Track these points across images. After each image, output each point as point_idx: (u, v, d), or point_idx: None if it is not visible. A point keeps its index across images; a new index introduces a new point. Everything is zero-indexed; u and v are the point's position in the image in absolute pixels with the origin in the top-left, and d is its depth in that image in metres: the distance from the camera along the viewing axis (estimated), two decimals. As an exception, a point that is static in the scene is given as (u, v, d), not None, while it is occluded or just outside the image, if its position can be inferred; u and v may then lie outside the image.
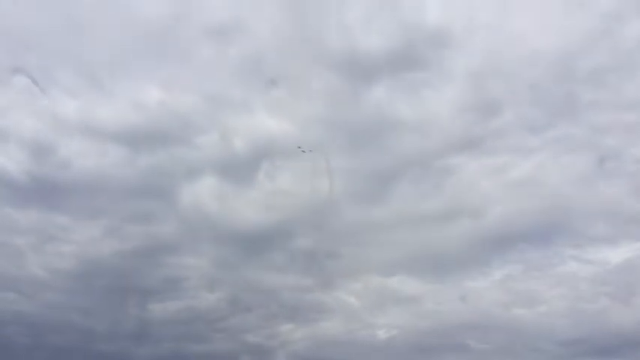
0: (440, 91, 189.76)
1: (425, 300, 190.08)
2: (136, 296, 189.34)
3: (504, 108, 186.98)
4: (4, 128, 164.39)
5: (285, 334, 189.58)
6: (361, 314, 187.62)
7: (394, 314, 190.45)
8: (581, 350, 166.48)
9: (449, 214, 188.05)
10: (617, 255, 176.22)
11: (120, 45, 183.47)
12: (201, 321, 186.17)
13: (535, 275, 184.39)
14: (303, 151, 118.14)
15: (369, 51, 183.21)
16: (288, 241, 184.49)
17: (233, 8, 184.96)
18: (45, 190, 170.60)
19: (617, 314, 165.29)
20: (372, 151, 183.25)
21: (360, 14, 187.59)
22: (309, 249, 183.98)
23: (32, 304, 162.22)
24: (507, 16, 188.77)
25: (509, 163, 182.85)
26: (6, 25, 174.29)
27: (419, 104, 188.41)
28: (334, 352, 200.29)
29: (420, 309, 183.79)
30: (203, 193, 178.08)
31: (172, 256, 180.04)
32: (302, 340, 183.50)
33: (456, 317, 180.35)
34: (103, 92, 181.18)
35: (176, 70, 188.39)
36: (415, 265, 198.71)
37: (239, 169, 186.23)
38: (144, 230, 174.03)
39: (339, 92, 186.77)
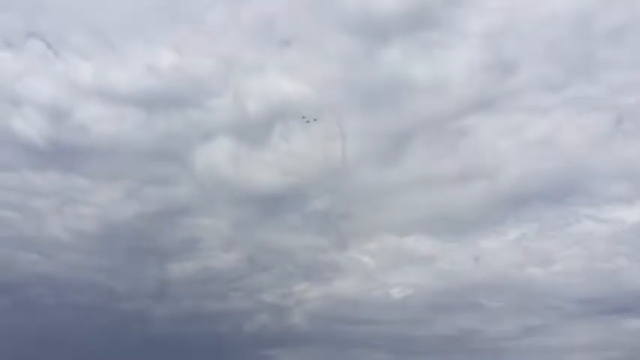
0: (455, 51, 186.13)
1: (439, 260, 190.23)
2: (155, 257, 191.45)
3: (520, 67, 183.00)
4: (21, 93, 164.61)
5: (300, 293, 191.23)
6: (375, 274, 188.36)
7: (408, 274, 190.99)
8: (596, 309, 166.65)
9: (463, 175, 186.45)
10: (633, 214, 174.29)
11: (132, 8, 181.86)
12: (219, 280, 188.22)
13: (550, 235, 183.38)
14: (307, 121, 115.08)
15: (383, 11, 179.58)
16: (303, 202, 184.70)
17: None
18: (63, 154, 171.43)
19: (632, 273, 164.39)
20: (386, 113, 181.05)
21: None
22: (323, 210, 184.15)
23: (54, 265, 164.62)
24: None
25: (525, 123, 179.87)
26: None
27: (433, 65, 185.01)
28: (349, 311, 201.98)
29: (434, 268, 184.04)
30: (218, 155, 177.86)
31: (189, 217, 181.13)
32: (317, 299, 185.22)
33: (470, 277, 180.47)
34: (117, 55, 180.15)
35: (189, 32, 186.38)
36: (429, 226, 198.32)
37: (253, 131, 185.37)
38: (161, 192, 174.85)
39: (353, 53, 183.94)
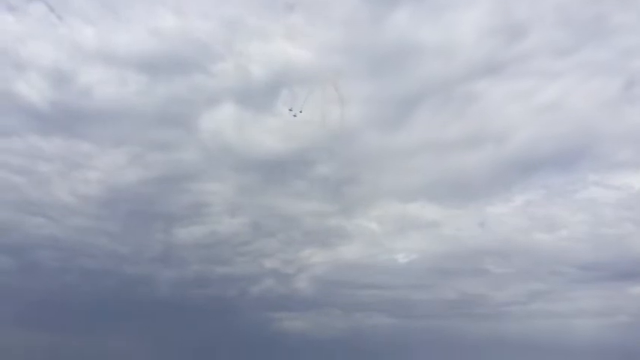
0: (463, 14, 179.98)
1: (445, 225, 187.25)
2: (161, 221, 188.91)
3: (529, 31, 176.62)
4: (24, 57, 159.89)
5: (306, 258, 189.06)
6: (381, 239, 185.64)
7: (414, 239, 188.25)
8: (602, 274, 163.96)
9: (471, 140, 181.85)
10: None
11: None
12: (225, 245, 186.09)
13: (557, 201, 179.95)
14: (295, 115, 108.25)
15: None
16: (308, 168, 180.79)
17: None
18: (68, 118, 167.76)
19: (639, 239, 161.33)
20: (393, 77, 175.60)
21: None
22: (329, 176, 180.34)
23: (61, 228, 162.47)
24: None
25: (534, 87, 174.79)
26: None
27: (441, 28, 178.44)
28: (354, 276, 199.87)
29: (439, 234, 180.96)
30: (222, 120, 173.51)
31: (194, 182, 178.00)
32: (322, 264, 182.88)
33: (476, 242, 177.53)
34: (119, 18, 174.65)
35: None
36: (435, 191, 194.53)
37: (257, 96, 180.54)
38: (166, 158, 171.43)
39: (359, 17, 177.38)
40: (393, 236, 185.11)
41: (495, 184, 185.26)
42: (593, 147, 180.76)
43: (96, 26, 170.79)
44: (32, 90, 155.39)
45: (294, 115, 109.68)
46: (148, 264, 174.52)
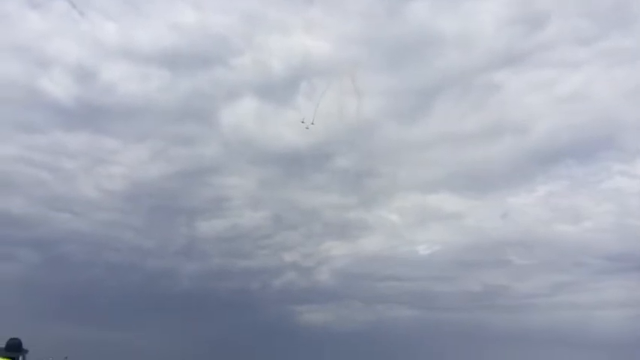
0: (482, 3, 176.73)
1: (466, 217, 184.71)
2: (184, 215, 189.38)
3: (551, 19, 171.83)
4: (48, 54, 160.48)
5: (327, 251, 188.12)
6: (402, 231, 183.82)
7: (435, 231, 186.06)
8: (628, 265, 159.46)
9: (492, 131, 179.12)
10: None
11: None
12: (246, 238, 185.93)
13: (580, 191, 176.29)
14: (307, 128, 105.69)
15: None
16: (328, 161, 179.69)
17: None
18: (91, 115, 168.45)
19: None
20: (412, 69, 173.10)
21: None
22: (349, 168, 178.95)
23: (86, 223, 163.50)
24: None
25: (556, 77, 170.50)
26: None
27: (460, 18, 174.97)
28: (375, 268, 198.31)
29: (461, 226, 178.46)
30: (243, 114, 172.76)
31: (216, 176, 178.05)
32: (343, 256, 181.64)
33: (498, 233, 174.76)
34: (140, 14, 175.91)
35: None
36: (456, 183, 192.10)
37: (277, 90, 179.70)
38: (188, 152, 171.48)
39: (377, 8, 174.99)
40: (413, 228, 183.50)
41: (517, 174, 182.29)
42: (617, 136, 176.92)
43: (117, 22, 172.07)
44: (56, 86, 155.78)
45: (307, 128, 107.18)
46: (172, 257, 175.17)
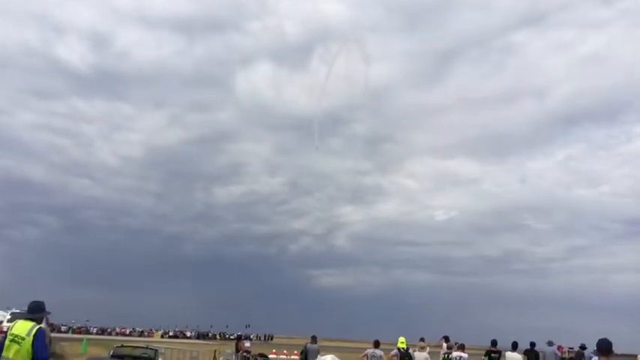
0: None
1: (484, 181, 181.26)
2: (201, 181, 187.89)
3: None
4: (63, 20, 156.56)
5: (344, 216, 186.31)
6: (419, 196, 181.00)
7: (452, 196, 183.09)
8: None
9: (510, 95, 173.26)
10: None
11: None
12: (264, 204, 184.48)
13: (599, 155, 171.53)
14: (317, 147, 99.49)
15: None
16: (345, 126, 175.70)
17: None
18: (107, 81, 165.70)
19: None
20: (429, 31, 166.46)
21: None
22: (366, 133, 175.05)
23: (105, 189, 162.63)
24: None
25: (577, 38, 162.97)
26: None
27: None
28: (392, 233, 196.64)
29: (478, 190, 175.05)
30: (258, 80, 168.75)
31: (232, 142, 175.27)
32: (361, 221, 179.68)
33: (516, 198, 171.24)
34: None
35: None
36: (474, 147, 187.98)
37: (292, 54, 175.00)
38: (204, 118, 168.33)
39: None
40: (431, 193, 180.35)
41: (536, 138, 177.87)
42: (638, 99, 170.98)
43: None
44: (72, 53, 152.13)
45: (316, 148, 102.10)
46: (189, 223, 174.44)
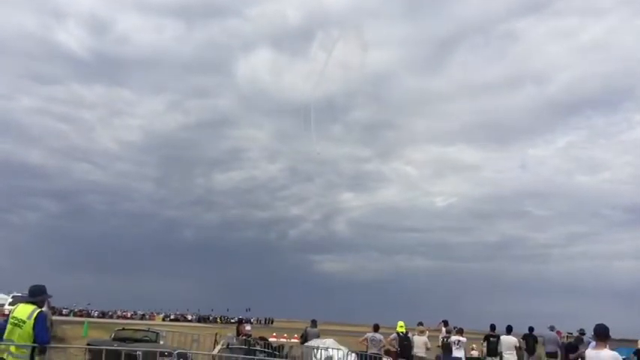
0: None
1: (484, 168, 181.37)
2: (201, 167, 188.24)
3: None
4: (62, 5, 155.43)
5: (344, 202, 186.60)
6: (419, 183, 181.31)
7: (453, 182, 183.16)
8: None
9: (511, 81, 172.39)
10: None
11: None
12: (264, 190, 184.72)
13: (600, 142, 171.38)
14: (319, 153, 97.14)
15: None
16: (345, 112, 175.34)
17: None
18: (107, 66, 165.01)
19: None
20: (430, 17, 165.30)
21: None
22: (366, 120, 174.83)
23: (106, 174, 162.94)
24: None
25: (578, 25, 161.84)
26: None
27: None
28: (393, 219, 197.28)
29: (479, 177, 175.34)
30: (258, 66, 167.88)
31: (233, 128, 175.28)
32: (361, 207, 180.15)
33: (516, 184, 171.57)
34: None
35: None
36: (475, 134, 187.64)
37: (292, 40, 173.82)
38: (204, 104, 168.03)
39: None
40: (431, 180, 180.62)
41: (537, 125, 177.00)
42: (638, 86, 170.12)
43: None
44: (71, 38, 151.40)
45: (318, 153, 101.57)
46: (189, 208, 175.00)
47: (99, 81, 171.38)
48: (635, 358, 13.45)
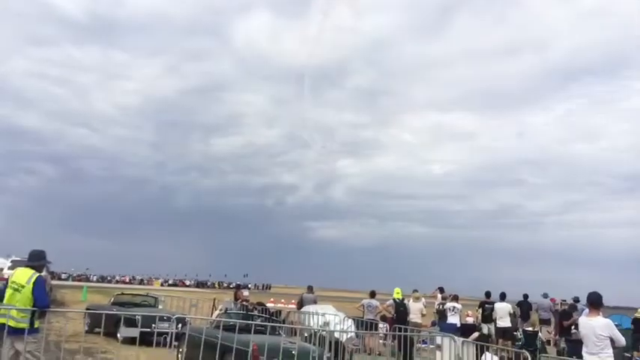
0: None
1: (481, 136, 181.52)
2: (199, 132, 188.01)
3: None
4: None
5: (342, 169, 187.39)
6: (417, 150, 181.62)
7: (450, 150, 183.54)
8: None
9: (511, 48, 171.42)
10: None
11: None
12: (262, 155, 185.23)
13: (598, 110, 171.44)
14: (324, 147, 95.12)
15: None
16: (344, 78, 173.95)
17: None
18: (103, 28, 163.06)
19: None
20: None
21: None
22: (365, 86, 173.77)
23: (103, 138, 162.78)
24: None
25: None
26: None
27: None
28: (390, 187, 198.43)
29: (476, 145, 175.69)
30: (255, 29, 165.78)
31: (231, 93, 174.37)
32: (359, 174, 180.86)
33: (513, 152, 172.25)
34: None
35: None
36: (472, 101, 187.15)
37: (291, 3, 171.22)
38: (201, 68, 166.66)
39: None
40: (429, 147, 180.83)
41: (535, 92, 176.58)
42: (639, 54, 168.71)
43: None
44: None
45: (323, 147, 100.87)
46: (187, 173, 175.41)
47: (94, 43, 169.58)
48: (632, 327, 13.59)
